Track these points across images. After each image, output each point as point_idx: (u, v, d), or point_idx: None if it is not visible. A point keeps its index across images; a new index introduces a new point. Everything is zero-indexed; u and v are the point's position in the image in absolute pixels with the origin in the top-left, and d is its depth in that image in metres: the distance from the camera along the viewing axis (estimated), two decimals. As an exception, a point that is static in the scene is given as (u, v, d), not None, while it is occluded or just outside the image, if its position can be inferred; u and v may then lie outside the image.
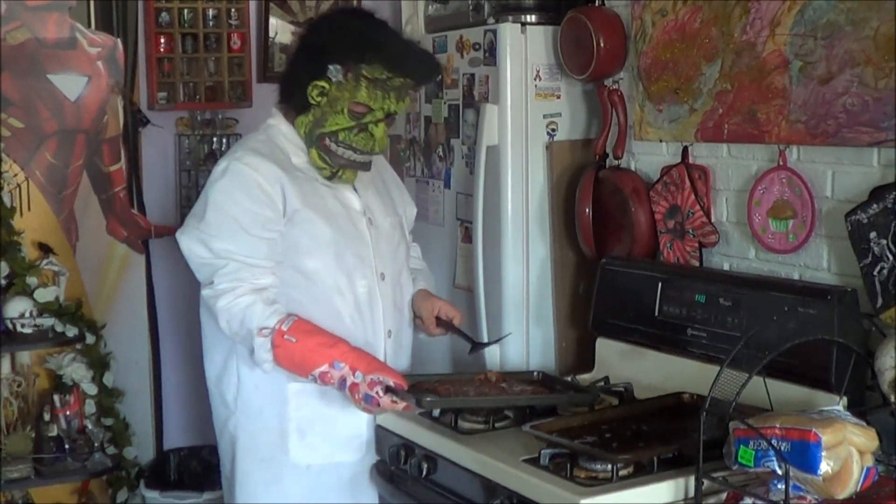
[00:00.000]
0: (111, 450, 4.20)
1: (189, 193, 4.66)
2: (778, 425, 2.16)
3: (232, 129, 4.69)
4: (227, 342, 2.90)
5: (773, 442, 2.13)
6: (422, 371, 3.15)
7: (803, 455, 2.10)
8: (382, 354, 2.96)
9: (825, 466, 2.08)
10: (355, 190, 2.98)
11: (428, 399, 2.73)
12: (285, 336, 2.72)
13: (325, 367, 2.71)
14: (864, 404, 2.60)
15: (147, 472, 4.44)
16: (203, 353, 3.05)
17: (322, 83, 2.84)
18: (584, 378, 3.20)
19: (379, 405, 2.70)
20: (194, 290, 2.93)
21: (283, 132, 2.94)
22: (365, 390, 2.69)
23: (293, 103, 2.92)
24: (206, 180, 2.89)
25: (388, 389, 2.70)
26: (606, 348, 3.35)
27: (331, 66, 2.82)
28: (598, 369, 3.31)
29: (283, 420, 2.90)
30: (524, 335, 3.69)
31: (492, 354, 3.56)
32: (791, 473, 2.10)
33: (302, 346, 2.72)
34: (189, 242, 2.82)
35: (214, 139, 4.68)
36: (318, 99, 2.85)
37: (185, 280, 4.56)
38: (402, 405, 2.70)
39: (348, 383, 2.71)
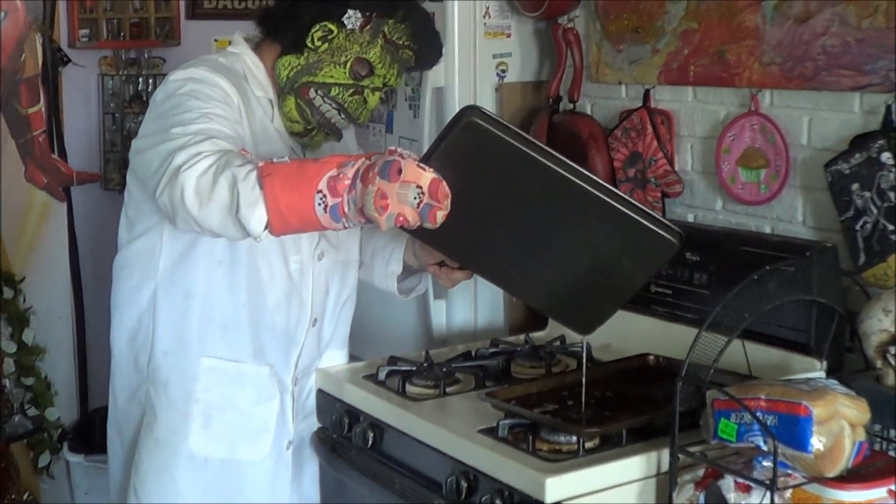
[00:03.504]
0: (32, 411, 4.12)
1: (113, 137, 4.53)
2: (763, 396, 1.98)
3: (159, 68, 4.57)
4: (144, 296, 2.59)
5: (759, 415, 1.96)
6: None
7: (792, 430, 1.93)
8: (300, 346, 2.67)
9: (816, 443, 1.91)
10: (304, 154, 2.64)
11: (480, 109, 2.08)
12: (275, 160, 2.17)
13: (333, 171, 2.09)
14: (843, 368, 2.46)
15: (71, 434, 4.31)
16: (112, 310, 2.70)
17: (331, 26, 2.51)
18: (538, 336, 3.03)
19: (400, 172, 2.02)
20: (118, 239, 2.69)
21: (247, 64, 2.58)
22: (383, 159, 2.05)
23: (282, 40, 2.56)
24: (150, 103, 2.50)
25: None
26: (562, 305, 3.17)
27: (351, 11, 2.50)
28: (552, 327, 3.10)
29: (189, 400, 2.58)
30: (472, 289, 3.48)
31: (438, 311, 3.38)
32: (778, 450, 1.93)
33: (299, 162, 2.19)
34: (150, 155, 2.31)
35: (140, 80, 4.57)
36: (319, 43, 2.51)
37: (109, 229, 4.37)
38: (429, 174, 2.05)
39: (360, 172, 2.08)
